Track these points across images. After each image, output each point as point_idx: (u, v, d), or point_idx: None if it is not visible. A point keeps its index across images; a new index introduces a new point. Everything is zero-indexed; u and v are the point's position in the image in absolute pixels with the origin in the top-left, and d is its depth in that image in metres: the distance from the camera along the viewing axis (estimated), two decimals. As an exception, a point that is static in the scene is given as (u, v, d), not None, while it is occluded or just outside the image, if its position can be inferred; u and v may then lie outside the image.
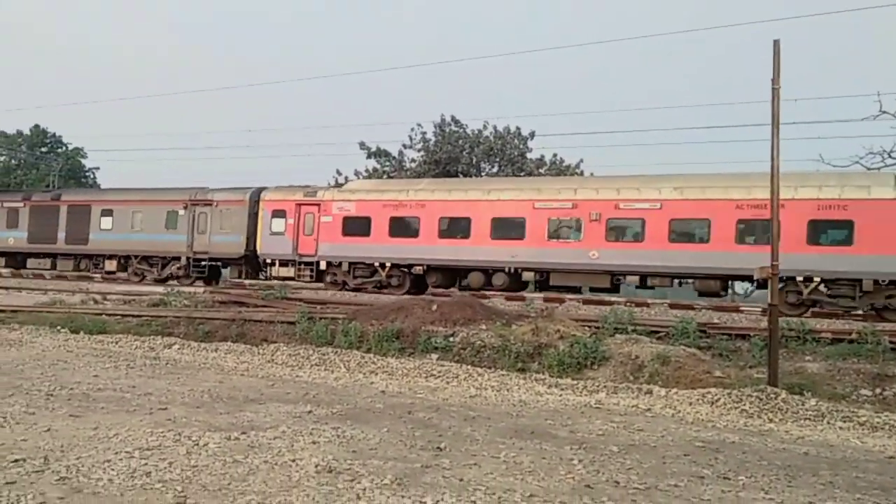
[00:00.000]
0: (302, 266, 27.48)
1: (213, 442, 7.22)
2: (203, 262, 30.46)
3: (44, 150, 64.57)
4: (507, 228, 24.31)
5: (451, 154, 43.91)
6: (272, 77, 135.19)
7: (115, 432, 7.41)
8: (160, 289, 23.52)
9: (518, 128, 44.79)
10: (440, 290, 24.28)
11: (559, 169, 43.18)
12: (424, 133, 45.70)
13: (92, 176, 66.29)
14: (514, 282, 24.41)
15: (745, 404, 10.80)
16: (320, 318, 16.79)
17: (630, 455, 7.61)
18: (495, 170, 44.32)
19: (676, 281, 23.50)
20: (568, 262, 23.28)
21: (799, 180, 21.16)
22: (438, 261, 25.15)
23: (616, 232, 23.18)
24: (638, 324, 15.57)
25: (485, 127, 45.12)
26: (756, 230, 21.41)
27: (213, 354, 14.66)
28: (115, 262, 32.05)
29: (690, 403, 11.08)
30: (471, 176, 42.31)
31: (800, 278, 20.55)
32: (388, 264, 25.74)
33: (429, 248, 25.13)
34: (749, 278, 21.92)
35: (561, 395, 11.49)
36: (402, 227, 25.83)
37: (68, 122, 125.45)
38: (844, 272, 20.21)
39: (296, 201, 27.90)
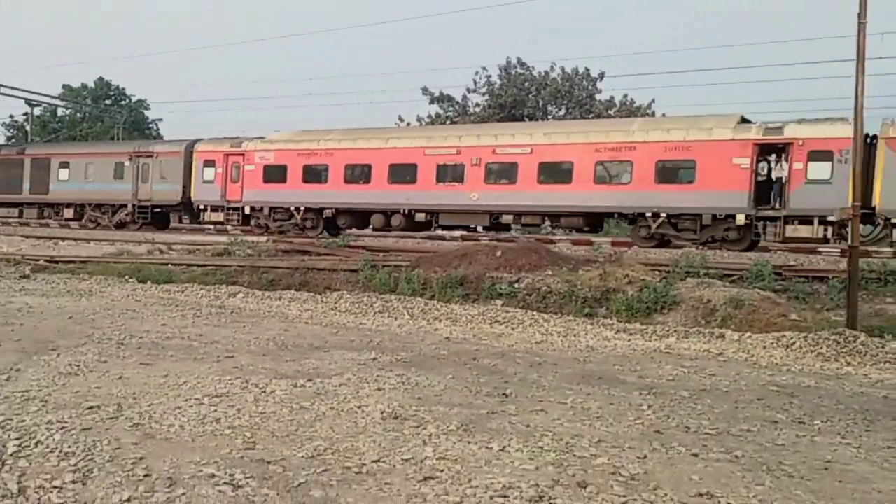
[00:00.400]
0: (230, 211, 29.47)
1: (280, 389, 7.25)
2: (147, 209, 32.23)
3: (108, 102, 65.78)
4: (402, 174, 26.11)
5: (517, 97, 42.93)
6: (333, 24, 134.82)
7: (184, 380, 7.50)
8: (224, 238, 23.90)
9: (587, 69, 43.55)
10: (505, 236, 24.48)
11: (629, 110, 41.99)
12: (489, 76, 44.74)
13: (155, 127, 67.18)
14: (410, 222, 26.09)
15: (821, 348, 10.47)
16: (383, 266, 16.79)
17: (701, 400, 7.41)
18: (562, 112, 43.27)
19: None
20: (453, 203, 25.12)
21: (652, 124, 23.01)
22: (345, 204, 27.16)
23: (494, 175, 24.81)
24: (710, 267, 15.20)
25: (552, 69, 43.90)
26: (612, 171, 23.03)
27: (277, 303, 14.76)
28: (72, 210, 33.92)
29: (764, 347, 10.77)
30: (537, 120, 41.58)
31: (649, 214, 22.15)
32: (302, 208, 27.80)
33: (336, 194, 27.21)
34: (608, 215, 24.06)
35: (629, 341, 11.28)
36: (314, 174, 27.85)
37: (131, 74, 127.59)
38: (686, 208, 21.72)
39: (224, 152, 29.78)
